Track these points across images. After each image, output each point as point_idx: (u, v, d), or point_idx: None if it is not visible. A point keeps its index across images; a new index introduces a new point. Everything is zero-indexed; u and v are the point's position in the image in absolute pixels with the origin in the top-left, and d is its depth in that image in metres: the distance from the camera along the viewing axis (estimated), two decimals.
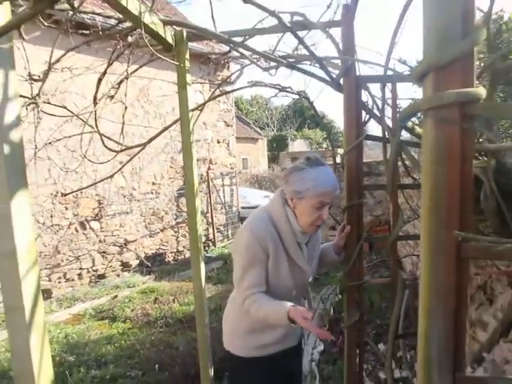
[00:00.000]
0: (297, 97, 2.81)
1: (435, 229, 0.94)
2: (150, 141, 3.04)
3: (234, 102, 13.87)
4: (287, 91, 2.79)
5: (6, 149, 1.40)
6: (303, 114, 48.50)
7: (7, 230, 1.42)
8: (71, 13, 2.06)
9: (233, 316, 2.40)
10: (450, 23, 0.90)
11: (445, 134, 0.91)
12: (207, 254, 11.00)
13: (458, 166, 0.91)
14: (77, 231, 8.61)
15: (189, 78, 2.85)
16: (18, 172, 1.45)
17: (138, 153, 3.25)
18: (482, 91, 0.91)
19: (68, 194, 7.41)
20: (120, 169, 3.40)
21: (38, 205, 7.85)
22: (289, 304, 2.11)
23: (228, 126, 12.95)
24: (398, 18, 2.13)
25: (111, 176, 3.38)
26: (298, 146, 36.74)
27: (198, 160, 11.18)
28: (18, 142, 1.46)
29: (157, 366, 4.60)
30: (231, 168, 13.28)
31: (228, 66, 12.17)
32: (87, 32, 2.61)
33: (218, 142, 12.48)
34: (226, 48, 3.21)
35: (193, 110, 2.88)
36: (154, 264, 10.24)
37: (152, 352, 5.19)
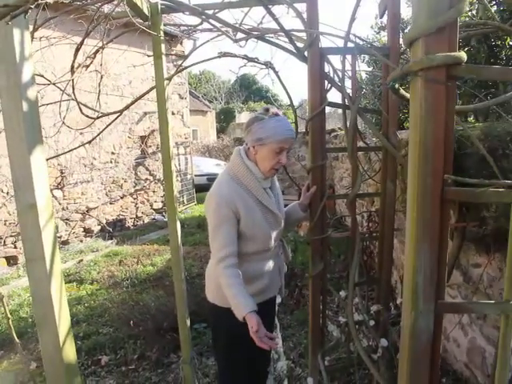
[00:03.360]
0: (263, 67, 2.84)
1: (422, 175, 1.01)
2: (125, 108, 3.01)
3: (187, 76, 13.72)
4: (254, 61, 2.82)
5: (25, 106, 1.39)
6: (249, 88, 48.33)
7: (28, 185, 1.42)
8: None
9: (215, 271, 2.44)
10: None
11: (433, 92, 0.98)
12: (164, 219, 10.99)
13: (443, 120, 0.99)
14: None
15: (163, 48, 2.83)
16: (35, 129, 1.44)
17: (114, 120, 3.20)
18: (464, 55, 0.98)
19: (48, 159, 7.17)
20: (98, 134, 3.35)
21: (2, 174, 7.60)
22: (251, 308, 2.13)
23: (182, 98, 12.82)
24: None
25: (91, 140, 3.31)
26: (244, 117, 36.68)
27: (154, 131, 11.10)
28: (34, 99, 1.44)
29: (131, 321, 4.59)
30: (185, 138, 13.21)
31: (181, 42, 11.99)
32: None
33: (173, 113, 12.33)
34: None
35: (167, 79, 2.86)
36: (115, 229, 10.16)
37: (122, 309, 5.18)
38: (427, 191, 1.01)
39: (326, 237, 2.65)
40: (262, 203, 2.42)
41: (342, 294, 2.73)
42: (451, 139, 1.02)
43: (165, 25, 3.00)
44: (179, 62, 10.81)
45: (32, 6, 1.16)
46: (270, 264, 2.56)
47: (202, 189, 13.54)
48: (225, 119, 38.74)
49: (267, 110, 2.38)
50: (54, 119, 5.51)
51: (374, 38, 6.42)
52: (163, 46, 2.83)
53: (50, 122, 7.49)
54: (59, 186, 8.87)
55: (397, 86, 1.16)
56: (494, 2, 3.64)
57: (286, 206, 2.74)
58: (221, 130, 34.65)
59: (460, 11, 0.95)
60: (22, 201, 1.47)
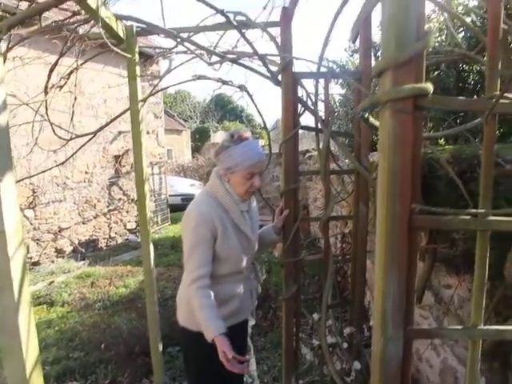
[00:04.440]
0: (238, 90, 2.86)
1: (390, 203, 1.03)
2: (99, 130, 3.00)
3: (162, 95, 13.75)
4: (228, 84, 2.84)
5: None
6: (224, 108, 48.54)
7: None
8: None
9: (186, 294, 2.43)
10: (405, 28, 0.99)
11: (400, 122, 1.00)
12: (138, 240, 10.88)
13: (410, 149, 1.01)
14: None
15: (138, 70, 2.84)
16: (4, 153, 1.41)
17: (88, 142, 3.18)
18: (430, 87, 1.01)
19: (19, 181, 7.06)
20: (71, 156, 3.32)
21: None
22: (220, 331, 2.14)
23: (157, 117, 12.82)
24: (330, 24, 2.24)
25: (64, 162, 3.28)
26: (219, 137, 36.73)
27: (128, 150, 11.04)
28: (5, 124, 1.42)
29: (102, 345, 4.51)
30: (160, 158, 13.17)
31: (157, 62, 12.02)
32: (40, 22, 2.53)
33: (148, 132, 12.31)
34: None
35: (141, 101, 2.86)
36: (88, 250, 10.02)
37: (93, 333, 5.08)
38: (395, 219, 1.03)
39: (300, 259, 2.66)
40: (238, 226, 2.44)
41: (316, 316, 2.74)
42: (419, 168, 1.04)
43: (140, 47, 3.02)
44: (155, 82, 10.83)
45: (4, 37, 1.16)
46: (242, 287, 2.56)
47: (176, 209, 13.49)
48: (200, 138, 38.79)
49: (232, 135, 2.40)
50: (27, 138, 5.45)
51: (348, 60, 6.53)
52: (138, 67, 2.84)
53: (22, 141, 7.43)
54: (31, 206, 8.73)
55: (366, 114, 1.19)
56: (462, 29, 3.74)
57: (261, 226, 2.75)
58: (196, 150, 34.65)
59: (427, 44, 0.98)
60: None
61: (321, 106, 2.57)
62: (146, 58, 10.59)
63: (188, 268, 2.35)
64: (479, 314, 1.23)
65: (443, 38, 4.09)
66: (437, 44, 4.15)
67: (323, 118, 2.55)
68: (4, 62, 2.41)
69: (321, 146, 2.54)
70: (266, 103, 11.72)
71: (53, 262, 9.18)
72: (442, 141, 4.66)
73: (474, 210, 1.07)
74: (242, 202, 2.47)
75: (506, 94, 1.06)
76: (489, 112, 1.03)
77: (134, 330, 4.63)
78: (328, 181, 2.54)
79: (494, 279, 2.27)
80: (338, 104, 6.45)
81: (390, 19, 0.99)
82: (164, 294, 6.29)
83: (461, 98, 1.07)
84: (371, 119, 1.39)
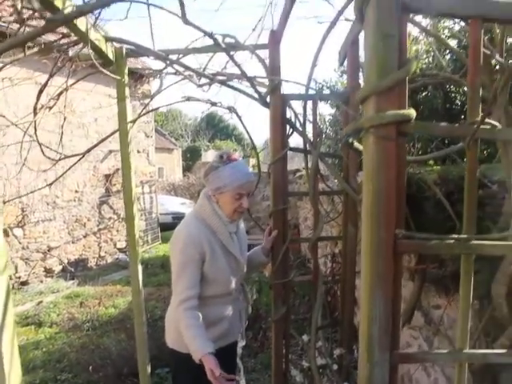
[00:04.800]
0: (227, 111, 2.88)
1: (375, 228, 1.04)
2: (88, 151, 3.00)
3: (153, 114, 13.79)
4: (218, 106, 2.86)
5: None
6: (215, 126, 48.69)
7: None
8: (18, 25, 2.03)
9: (175, 315, 2.42)
10: (387, 56, 1.01)
11: (384, 148, 1.02)
12: (128, 259, 10.80)
13: (394, 175, 1.02)
14: None
15: (127, 91, 2.86)
16: None
17: (77, 162, 3.18)
18: (413, 112, 1.03)
19: (8, 201, 7.06)
20: (61, 176, 3.31)
21: None
22: (207, 350, 2.15)
23: (148, 136, 12.84)
24: (317, 47, 2.27)
25: (53, 182, 3.27)
26: (210, 156, 36.77)
27: (118, 169, 11.02)
28: None
29: (91, 367, 4.45)
30: (150, 177, 13.16)
31: (148, 81, 12.07)
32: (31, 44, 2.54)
33: (138, 151, 12.32)
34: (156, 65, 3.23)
35: (130, 122, 2.87)
36: (77, 269, 9.94)
37: (81, 354, 5.02)
38: (380, 243, 1.03)
39: (289, 280, 2.66)
40: (227, 248, 2.44)
41: (305, 338, 2.73)
42: (403, 193, 1.05)
43: (129, 68, 3.03)
44: (146, 101, 10.87)
45: None
46: (231, 308, 2.55)
47: (167, 228, 13.43)
48: (191, 157, 38.79)
49: (221, 156, 2.43)
50: (17, 157, 5.42)
51: (338, 80, 6.58)
52: (127, 89, 2.86)
53: (12, 160, 7.41)
54: (20, 225, 8.67)
55: (351, 139, 1.20)
56: (448, 51, 3.80)
57: (250, 246, 2.76)
58: (187, 169, 34.65)
59: (408, 71, 1.00)
60: None
61: (310, 127, 2.60)
62: (138, 77, 10.64)
63: (176, 290, 2.35)
64: (465, 338, 1.24)
65: (430, 59, 4.16)
66: (424, 66, 4.21)
67: (312, 139, 2.57)
68: None
69: (310, 167, 2.57)
70: (256, 122, 11.79)
71: (42, 281, 9.09)
72: (430, 161, 4.70)
73: (456, 236, 1.08)
74: (231, 223, 2.48)
75: (487, 120, 1.08)
76: (470, 138, 1.04)
77: (123, 352, 4.58)
78: (316, 202, 2.55)
79: (483, 299, 2.28)
80: (327, 124, 6.50)
81: (372, 48, 1.01)
82: (153, 314, 6.24)
83: (443, 124, 1.08)
84: (356, 144, 1.40)
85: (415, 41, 4.52)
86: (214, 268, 2.37)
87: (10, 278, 8.44)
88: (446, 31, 3.50)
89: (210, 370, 2.08)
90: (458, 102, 3.98)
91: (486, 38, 1.67)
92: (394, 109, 1.01)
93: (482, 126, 1.05)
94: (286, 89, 2.57)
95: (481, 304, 2.34)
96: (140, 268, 3.00)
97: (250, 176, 2.44)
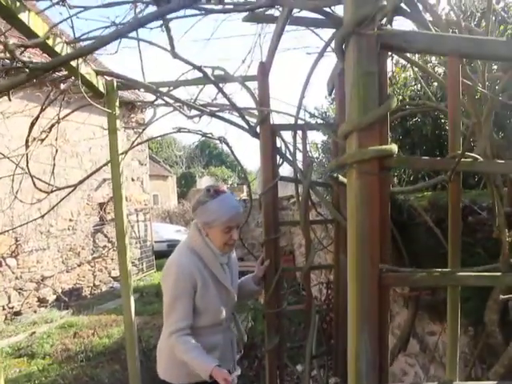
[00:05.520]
0: (217, 141, 2.90)
1: (360, 262, 1.05)
2: (80, 182, 3.01)
3: (147, 142, 13.84)
4: (208, 137, 2.88)
5: None
6: (209, 153, 48.91)
7: None
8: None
9: (166, 346, 2.41)
10: (368, 93, 1.03)
11: (367, 183, 1.03)
12: None
13: (377, 210, 1.03)
14: None
15: (118, 123, 2.88)
16: None
17: (69, 194, 3.18)
18: (394, 148, 1.05)
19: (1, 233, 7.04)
20: (53, 207, 3.32)
21: None
22: (214, 363, 2.18)
23: (142, 164, 12.86)
24: (306, 77, 2.30)
25: (45, 213, 3.27)
26: (205, 182, 36.85)
27: (112, 198, 11.01)
28: None
29: None
30: (145, 204, 13.14)
31: (142, 110, 12.15)
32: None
33: (133, 179, 12.33)
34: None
35: (122, 154, 2.89)
36: (72, 299, 9.82)
37: None
38: (365, 278, 1.04)
39: (282, 309, 2.65)
40: (218, 279, 2.43)
41: (299, 368, 2.71)
42: (387, 226, 1.06)
43: (121, 100, 3.06)
44: (139, 129, 10.93)
45: None
46: (222, 337, 2.53)
47: (162, 255, 13.36)
48: (186, 184, 38.82)
49: (208, 190, 2.43)
50: (11, 186, 5.44)
51: (329, 107, 6.63)
52: (118, 121, 2.88)
53: (6, 189, 7.39)
54: (13, 255, 8.59)
55: (335, 174, 1.22)
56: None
57: (245, 272, 2.75)
58: (182, 195, 34.64)
59: (389, 107, 1.02)
60: None
61: (300, 156, 2.62)
62: (131, 106, 10.71)
63: (168, 321, 2.35)
64: (454, 370, 1.23)
65: (419, 86, 4.21)
66: (412, 93, 4.26)
67: (302, 168, 2.58)
68: None
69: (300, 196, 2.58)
70: (250, 147, 11.85)
71: (35, 311, 8.98)
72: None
73: (440, 270, 1.08)
74: (222, 255, 2.47)
75: (468, 153, 1.09)
76: (452, 171, 1.06)
77: (117, 383, 4.51)
78: (308, 231, 2.56)
79: (476, 326, 2.28)
80: (319, 150, 6.52)
81: (353, 86, 1.03)
82: (148, 343, 6.15)
83: (424, 157, 1.10)
84: (341, 178, 1.42)
85: (404, 68, 4.58)
86: (205, 299, 2.37)
87: (3, 309, 8.35)
88: (434, 58, 3.55)
89: (224, 380, 2.10)
90: (447, 127, 4.01)
91: (468, 67, 1.69)
92: (375, 144, 1.03)
93: (463, 159, 1.07)
94: (276, 118, 2.60)
95: (475, 331, 2.34)
96: (133, 301, 2.98)
97: (238, 209, 2.44)
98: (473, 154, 1.09)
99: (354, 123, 1.03)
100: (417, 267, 2.56)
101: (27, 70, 1.30)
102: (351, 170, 1.06)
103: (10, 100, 1.46)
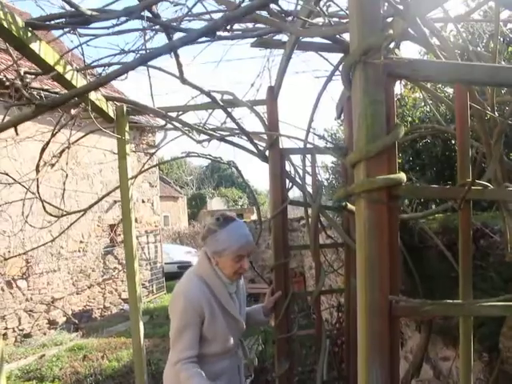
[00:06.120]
0: (227, 166, 2.91)
1: (370, 292, 1.03)
2: (90, 207, 3.02)
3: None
4: (218, 161, 2.89)
5: None
6: (220, 174, 49.08)
7: None
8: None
9: (171, 373, 2.38)
10: (376, 121, 1.02)
11: (375, 213, 1.02)
12: None
13: (386, 239, 1.02)
14: (3, 290, 8.13)
15: (128, 148, 2.89)
16: None
17: (79, 218, 3.20)
18: (403, 176, 1.04)
19: (12, 257, 7.11)
20: (63, 232, 3.33)
21: None
22: None
23: (152, 186, 12.93)
24: (315, 101, 2.31)
25: (53, 239, 3.29)
26: (215, 203, 36.90)
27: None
28: None
29: None
30: (155, 226, 13.16)
31: (153, 132, 12.25)
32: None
33: (143, 201, 12.39)
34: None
35: (131, 179, 2.90)
36: (82, 321, 9.81)
37: None
38: (375, 309, 1.02)
39: (292, 334, 2.62)
40: (226, 309, 2.40)
41: None
42: (397, 256, 1.05)
43: (131, 124, 3.08)
44: (150, 151, 11.01)
45: None
46: (228, 363, 2.50)
47: (172, 277, 13.35)
48: (196, 205, 38.94)
49: (218, 219, 2.38)
50: (22, 209, 5.47)
51: (338, 129, 6.63)
52: (127, 146, 2.89)
53: (17, 211, 7.44)
54: (24, 276, 8.62)
55: (344, 203, 1.21)
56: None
57: (253, 295, 2.73)
58: (192, 216, 34.72)
59: (397, 136, 1.02)
60: None
61: (309, 180, 2.62)
62: (142, 129, 10.81)
63: (174, 350, 2.32)
64: None
65: (428, 108, 4.21)
66: (422, 114, 4.26)
67: (312, 191, 2.58)
68: None
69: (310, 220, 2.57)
70: (260, 169, 11.89)
71: (45, 333, 8.96)
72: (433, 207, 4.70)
73: (451, 301, 1.06)
74: (231, 283, 2.45)
75: (477, 181, 1.08)
76: (461, 200, 1.05)
77: None
78: (318, 256, 2.54)
79: (491, 351, 2.23)
80: (330, 171, 6.52)
81: (360, 114, 1.02)
82: (158, 367, 6.11)
83: (434, 186, 1.09)
84: (349, 206, 1.41)
85: (413, 90, 4.60)
86: (212, 328, 2.34)
87: (13, 331, 8.34)
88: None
89: None
90: (457, 148, 4.01)
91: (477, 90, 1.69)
92: (384, 173, 1.02)
93: (473, 187, 1.06)
94: (285, 141, 2.60)
95: (490, 357, 2.29)
96: (142, 325, 2.95)
97: (249, 237, 2.40)
98: (482, 182, 1.08)
99: (361, 152, 1.03)
100: (429, 291, 2.54)
101: (35, 104, 1.31)
102: (360, 200, 1.05)
103: (17, 134, 1.47)
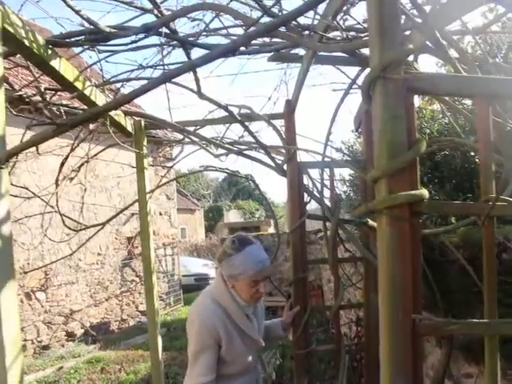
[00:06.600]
0: (244, 179, 2.91)
1: (393, 311, 1.01)
2: (108, 221, 3.03)
3: (174, 176, 14.01)
4: (235, 175, 2.89)
5: None
6: (237, 186, 49.17)
7: None
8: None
9: None
10: (396, 137, 1.01)
11: (398, 230, 1.01)
12: None
13: (409, 257, 1.00)
14: (22, 302, 8.20)
15: (146, 162, 2.91)
16: (6, 267, 1.42)
17: (97, 232, 3.22)
18: (425, 192, 1.02)
19: (32, 270, 7.17)
20: (81, 246, 3.35)
21: None
22: None
23: (169, 199, 12.99)
24: (332, 115, 2.30)
25: (72, 253, 3.30)
26: (232, 215, 36.91)
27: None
28: (8, 235, 1.43)
29: None
30: (173, 239, 13.20)
31: (171, 145, 12.33)
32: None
33: (160, 214, 12.45)
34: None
35: (149, 193, 2.91)
36: (99, 333, 9.84)
37: None
38: (398, 328, 1.01)
39: (311, 350, 2.59)
40: (243, 330, 2.36)
41: None
42: (419, 274, 1.03)
43: (148, 138, 3.10)
44: (167, 163, 11.09)
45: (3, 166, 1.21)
46: (247, 379, 2.47)
47: (189, 289, 13.36)
48: (213, 217, 39.03)
49: (234, 242, 2.32)
50: (41, 221, 5.54)
51: (355, 141, 6.60)
52: (145, 160, 2.91)
53: (36, 224, 7.53)
54: (43, 288, 8.69)
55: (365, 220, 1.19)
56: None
57: (271, 308, 2.70)
58: (209, 229, 34.79)
59: (418, 152, 1.00)
60: None
61: (328, 193, 2.60)
62: (160, 142, 10.89)
63: (191, 373, 2.29)
64: None
65: (446, 120, 4.17)
66: (440, 127, 4.22)
67: (330, 205, 2.56)
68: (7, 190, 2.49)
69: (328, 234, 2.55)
70: (278, 180, 11.89)
71: (63, 345, 9.00)
72: (454, 219, 4.64)
73: (476, 320, 1.04)
74: (248, 306, 2.40)
75: (501, 196, 1.06)
76: (486, 216, 1.03)
77: None
78: (337, 270, 2.52)
79: None
80: (347, 184, 6.49)
81: (380, 130, 1.01)
82: (175, 380, 6.09)
83: (456, 202, 1.07)
84: (370, 222, 1.39)
85: (430, 101, 4.56)
86: (231, 351, 2.30)
87: (32, 343, 8.39)
88: None
89: None
90: (476, 161, 3.96)
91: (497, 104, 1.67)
92: (405, 189, 1.00)
93: (496, 203, 1.04)
94: (303, 154, 2.59)
95: None
96: (160, 339, 2.94)
97: (265, 262, 2.32)
98: (507, 198, 1.06)
99: (383, 169, 1.02)
100: (450, 305, 2.49)
101: (56, 124, 1.32)
102: (381, 216, 1.03)
103: (38, 153, 1.49)
